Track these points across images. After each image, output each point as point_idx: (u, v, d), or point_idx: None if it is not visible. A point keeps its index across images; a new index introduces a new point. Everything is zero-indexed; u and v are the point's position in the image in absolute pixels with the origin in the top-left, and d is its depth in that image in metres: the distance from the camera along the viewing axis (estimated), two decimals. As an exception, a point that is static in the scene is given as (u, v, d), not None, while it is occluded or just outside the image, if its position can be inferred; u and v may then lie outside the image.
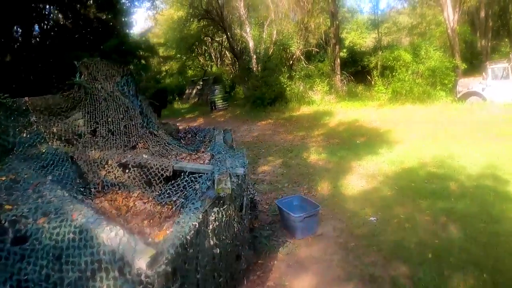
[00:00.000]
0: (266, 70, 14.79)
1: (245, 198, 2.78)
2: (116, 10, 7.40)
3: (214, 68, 24.59)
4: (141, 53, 8.54)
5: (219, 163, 2.76)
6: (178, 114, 17.97)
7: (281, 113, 12.77)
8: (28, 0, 5.86)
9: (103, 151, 3.37)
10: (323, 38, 15.79)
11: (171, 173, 2.89)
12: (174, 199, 2.76)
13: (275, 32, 15.73)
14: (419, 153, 6.16)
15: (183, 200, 2.65)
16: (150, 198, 2.90)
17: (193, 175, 2.83)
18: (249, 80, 15.87)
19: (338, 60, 14.28)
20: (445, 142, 6.67)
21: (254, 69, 16.12)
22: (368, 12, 22.29)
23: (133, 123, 4.08)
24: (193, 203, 2.25)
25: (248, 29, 16.02)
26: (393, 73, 12.37)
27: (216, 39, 20.67)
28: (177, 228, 2.00)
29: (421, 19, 17.37)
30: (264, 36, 16.37)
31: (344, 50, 17.11)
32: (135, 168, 3.03)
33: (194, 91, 21.51)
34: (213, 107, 16.40)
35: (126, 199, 2.96)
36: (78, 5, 6.28)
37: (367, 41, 19.51)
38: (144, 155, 3.21)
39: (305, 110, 12.85)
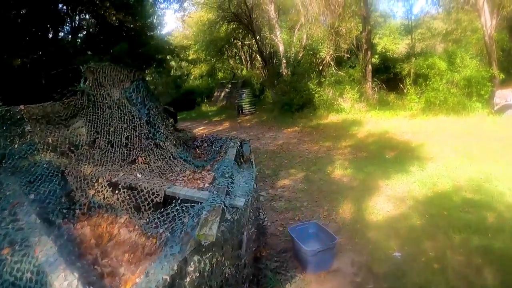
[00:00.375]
0: (295, 75, 14.32)
1: (245, 234, 2.31)
2: (137, 12, 7.31)
3: (244, 71, 24.40)
4: (159, 56, 8.37)
5: (216, 191, 2.31)
6: (205, 117, 17.96)
7: (309, 121, 12.23)
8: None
9: (96, 166, 3.07)
10: (355, 43, 15.06)
11: (162, 199, 2.49)
12: (161, 231, 2.35)
13: (305, 36, 15.24)
14: (453, 173, 5.51)
15: (168, 234, 2.24)
16: (137, 227, 2.53)
17: (186, 204, 2.41)
18: (278, 85, 15.47)
19: (370, 67, 13.55)
20: (481, 161, 5.99)
21: (284, 73, 15.68)
22: (401, 17, 21.13)
23: (137, 134, 3.78)
24: (172, 246, 1.82)
25: (278, 33, 15.63)
26: (427, 82, 11.65)
27: (246, 42, 20.44)
28: (144, 283, 1.59)
29: (456, 25, 16.36)
30: (294, 40, 15.88)
31: (376, 56, 16.39)
32: (125, 190, 2.67)
33: (223, 94, 21.42)
34: (240, 111, 16.14)
35: (111, 225, 2.62)
36: (97, 7, 6.23)
37: (400, 47, 18.61)
38: (138, 174, 2.85)
39: (333, 118, 12.26)
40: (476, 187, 4.84)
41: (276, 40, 16.01)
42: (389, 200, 4.65)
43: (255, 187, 2.92)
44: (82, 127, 3.74)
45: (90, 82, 4.01)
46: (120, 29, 7.11)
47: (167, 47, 8.96)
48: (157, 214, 2.45)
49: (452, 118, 10.02)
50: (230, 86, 20.73)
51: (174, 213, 2.37)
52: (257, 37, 16.42)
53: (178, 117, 18.77)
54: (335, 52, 15.02)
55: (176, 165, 3.50)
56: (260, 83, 20.97)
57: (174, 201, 2.44)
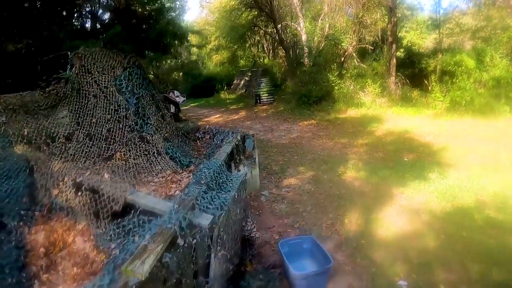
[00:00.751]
0: (315, 65, 13.72)
1: (214, 256, 1.95)
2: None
3: (266, 60, 23.76)
4: (167, 41, 8.00)
5: (178, 204, 1.96)
6: (223, 104, 17.69)
7: (326, 114, 11.68)
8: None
9: (67, 162, 2.81)
10: (380, 35, 14.29)
11: (120, 207, 2.17)
12: (113, 246, 2.04)
13: (327, 25, 14.49)
14: (476, 185, 4.92)
15: (117, 253, 1.93)
16: (92, 237, 2.23)
17: (145, 216, 2.09)
18: (298, 75, 14.87)
19: (394, 60, 12.72)
20: (509, 172, 5.34)
21: (306, 63, 15.07)
22: (429, 10, 20.30)
23: (121, 126, 3.49)
24: (104, 275, 1.51)
25: (301, 22, 14.99)
26: (453, 80, 11.01)
27: (268, 30, 19.75)
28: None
29: (487, 21, 15.23)
30: (316, 30, 15.18)
31: (401, 50, 15.48)
32: (88, 192, 2.38)
33: (242, 82, 20.98)
34: (258, 101, 15.69)
35: (67, 232, 2.35)
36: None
37: (426, 41, 17.66)
38: (106, 174, 2.55)
39: (352, 112, 11.65)
40: (501, 204, 4.28)
41: (299, 29, 15.33)
42: (402, 212, 4.13)
43: (238, 196, 2.55)
44: (66, 117, 3.50)
45: (77, 69, 3.74)
46: (125, 12, 6.86)
47: (177, 32, 8.62)
48: (113, 225, 2.14)
49: (478, 120, 9.29)
50: (250, 74, 20.22)
51: (130, 226, 2.04)
52: (278, 26, 15.77)
53: (195, 104, 18.70)
54: (359, 43, 14.31)
55: (159, 162, 3.19)
56: (282, 73, 20.34)
57: (133, 211, 2.12)
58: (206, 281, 1.93)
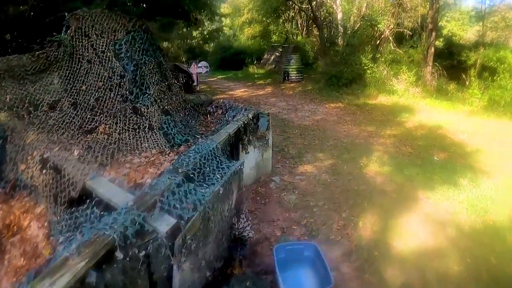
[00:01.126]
0: (349, 46, 12.92)
1: (177, 268, 1.59)
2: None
3: (299, 38, 22.53)
4: (186, 6, 7.36)
5: (133, 202, 1.58)
6: (251, 79, 17.19)
7: (355, 98, 10.96)
8: None
9: (42, 133, 2.52)
10: (419, 22, 13.43)
11: (77, 194, 1.85)
12: (60, 240, 1.74)
13: (365, 5, 13.62)
14: None
15: (62, 249, 1.62)
16: (46, 224, 1.95)
17: (106, 209, 1.75)
18: (329, 55, 14.14)
19: (432, 49, 11.81)
20: None
21: (340, 44, 14.29)
22: (474, 0, 19.40)
23: (112, 95, 3.15)
24: (28, 282, 1.20)
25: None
26: (494, 77, 10.16)
27: (303, 6, 18.45)
28: None
29: None
30: (353, 9, 14.33)
31: (441, 40, 14.43)
32: (51, 171, 2.08)
33: (272, 58, 20.18)
34: (286, 78, 15.06)
35: (25, 214, 2.08)
36: None
37: (468, 33, 16.68)
38: (75, 151, 2.24)
39: (383, 99, 10.85)
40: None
41: (334, 7, 14.24)
42: (426, 222, 3.57)
43: (227, 190, 2.13)
44: (56, 84, 3.22)
45: (72, 31, 3.39)
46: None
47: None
48: (67, 214, 1.82)
49: (519, 124, 8.42)
50: (281, 50, 19.30)
51: (82, 219, 1.71)
52: (313, 2, 14.87)
53: (223, 76, 18.28)
54: (396, 27, 13.43)
55: (147, 139, 2.85)
56: (314, 52, 19.23)
57: (88, 201, 1.79)
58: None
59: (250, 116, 4.24)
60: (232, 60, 21.39)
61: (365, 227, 3.45)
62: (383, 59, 12.55)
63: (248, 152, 4.23)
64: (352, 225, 3.49)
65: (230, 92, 12.66)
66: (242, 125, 3.86)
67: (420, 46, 12.82)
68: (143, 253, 1.41)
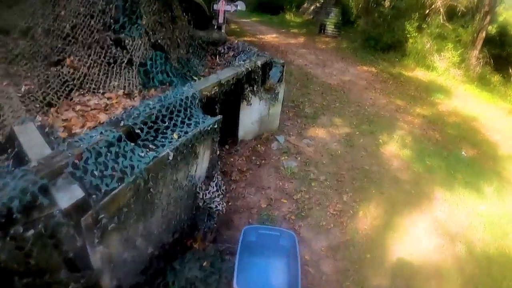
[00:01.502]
0: (394, 9, 11.87)
1: (91, 249, 1.28)
2: None
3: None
4: None
5: (49, 158, 1.23)
6: (285, 26, 16.07)
7: (390, 66, 10.05)
8: None
9: (2, 64, 2.18)
10: (476, 1, 11.83)
11: (4, 140, 1.53)
12: None
13: None
14: None
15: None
16: None
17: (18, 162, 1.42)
18: (371, 14, 13.01)
19: (484, 34, 10.79)
20: None
21: (386, 5, 13.10)
22: None
23: (92, 23, 2.69)
24: None
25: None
26: None
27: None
28: None
29: None
30: None
31: (494, 26, 12.92)
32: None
33: (312, 8, 18.69)
34: (322, 30, 14.00)
35: None
36: None
37: None
38: (24, 87, 1.89)
39: (420, 74, 9.96)
40: None
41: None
42: (435, 229, 3.11)
43: (178, 156, 1.73)
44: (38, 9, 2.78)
45: None
46: None
47: None
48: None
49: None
50: (322, 1, 17.43)
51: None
52: None
53: (257, 19, 16.98)
54: (450, 0, 11.93)
55: (121, 76, 2.45)
56: (357, 10, 17.24)
57: (10, 150, 1.46)
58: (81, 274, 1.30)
59: (259, 63, 3.67)
60: (269, 4, 20.01)
61: (364, 219, 3.02)
62: (429, 31, 11.48)
63: (251, 104, 3.77)
64: (350, 213, 3.08)
65: (260, 36, 11.92)
66: (245, 72, 3.34)
67: (471, 27, 11.65)
68: (31, 231, 1.10)
